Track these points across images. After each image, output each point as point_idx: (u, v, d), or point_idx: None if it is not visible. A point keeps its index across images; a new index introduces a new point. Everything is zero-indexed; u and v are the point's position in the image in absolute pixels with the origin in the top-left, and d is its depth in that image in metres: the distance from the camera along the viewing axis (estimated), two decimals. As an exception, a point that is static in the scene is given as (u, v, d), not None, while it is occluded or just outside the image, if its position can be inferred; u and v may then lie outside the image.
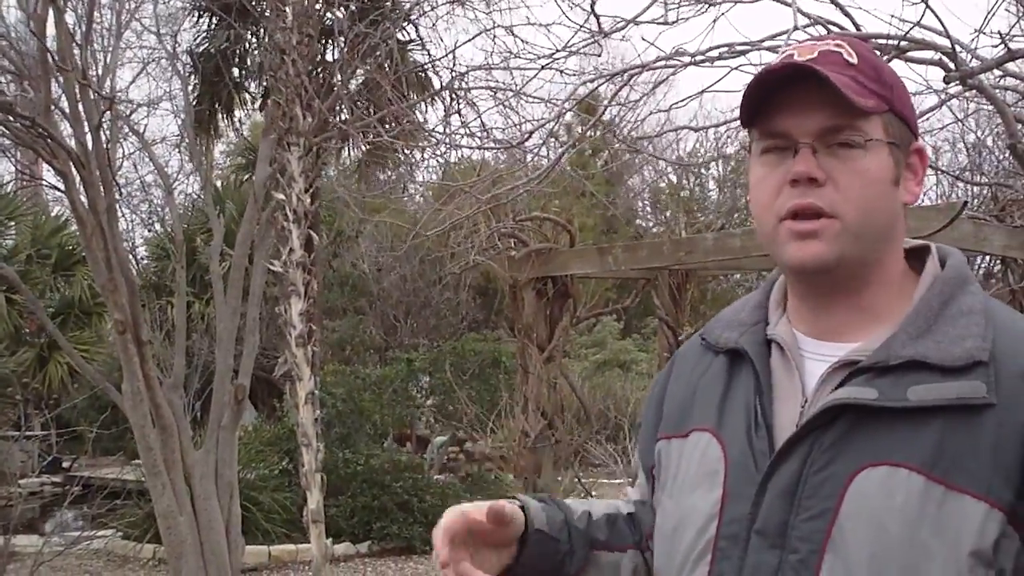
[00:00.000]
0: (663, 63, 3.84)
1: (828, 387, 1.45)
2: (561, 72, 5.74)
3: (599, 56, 4.45)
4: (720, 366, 1.60)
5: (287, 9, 2.74)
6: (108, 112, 7.68)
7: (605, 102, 4.88)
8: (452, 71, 8.38)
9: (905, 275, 1.53)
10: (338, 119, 8.37)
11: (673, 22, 3.91)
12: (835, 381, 1.44)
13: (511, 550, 1.59)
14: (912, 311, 1.46)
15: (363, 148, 13.39)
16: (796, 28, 3.83)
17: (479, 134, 7.00)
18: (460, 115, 8.60)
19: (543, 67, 4.43)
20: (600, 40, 4.09)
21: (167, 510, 7.99)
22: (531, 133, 4.91)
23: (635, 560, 1.72)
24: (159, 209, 16.22)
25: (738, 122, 1.58)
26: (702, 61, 3.76)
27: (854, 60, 1.45)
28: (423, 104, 10.55)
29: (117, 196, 8.58)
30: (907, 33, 3.42)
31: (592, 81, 4.32)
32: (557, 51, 4.26)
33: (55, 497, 14.81)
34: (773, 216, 1.47)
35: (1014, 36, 3.81)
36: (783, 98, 1.44)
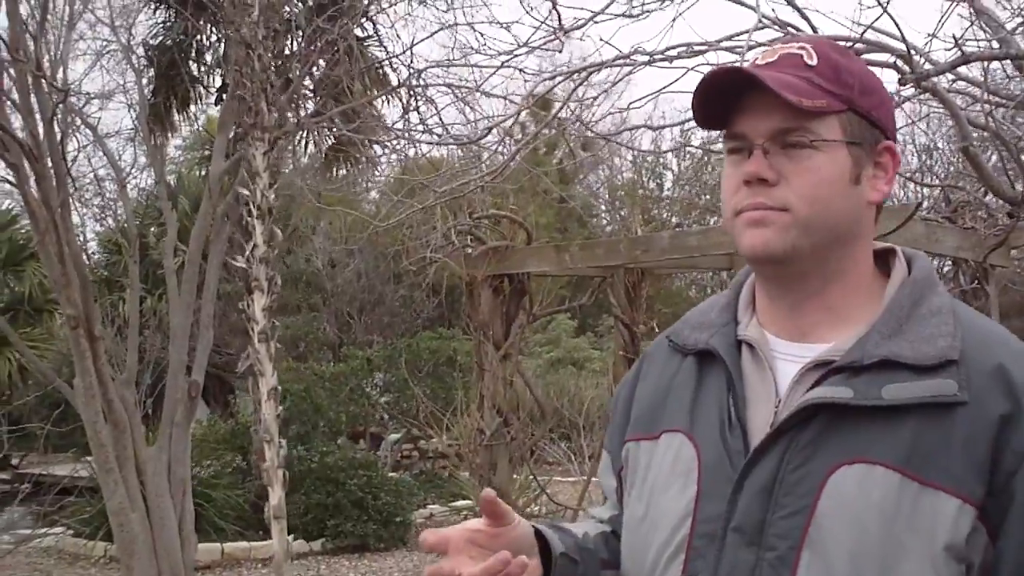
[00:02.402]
0: (621, 62, 3.85)
1: (802, 387, 1.47)
2: (521, 71, 5.76)
3: (560, 52, 4.48)
4: (690, 367, 1.61)
5: (254, 4, 2.72)
6: (61, 104, 7.59)
7: (561, 100, 4.90)
8: (410, 68, 8.37)
9: (873, 277, 1.55)
10: (296, 114, 8.33)
11: (638, 16, 3.92)
12: (809, 381, 1.47)
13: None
14: (884, 311, 1.48)
15: (325, 143, 13.32)
16: (757, 28, 3.86)
17: (436, 130, 7.00)
18: (419, 112, 8.60)
19: (503, 64, 4.46)
20: (561, 36, 4.11)
21: (119, 507, 7.91)
22: (489, 130, 4.93)
23: None
24: (112, 203, 16.04)
25: (693, 122, 1.61)
26: (660, 60, 3.79)
27: (813, 62, 1.48)
28: (382, 100, 10.51)
29: (71, 190, 8.49)
30: (861, 34, 3.45)
31: (551, 78, 4.33)
32: (518, 47, 4.28)
33: (4, 495, 14.62)
34: (731, 211, 1.51)
35: (967, 40, 3.87)
36: (743, 101, 1.48)
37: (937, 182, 6.46)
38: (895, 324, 1.46)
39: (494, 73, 5.05)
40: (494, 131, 5.64)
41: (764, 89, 1.43)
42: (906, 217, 4.71)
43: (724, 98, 1.50)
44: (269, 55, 2.65)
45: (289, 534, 12.17)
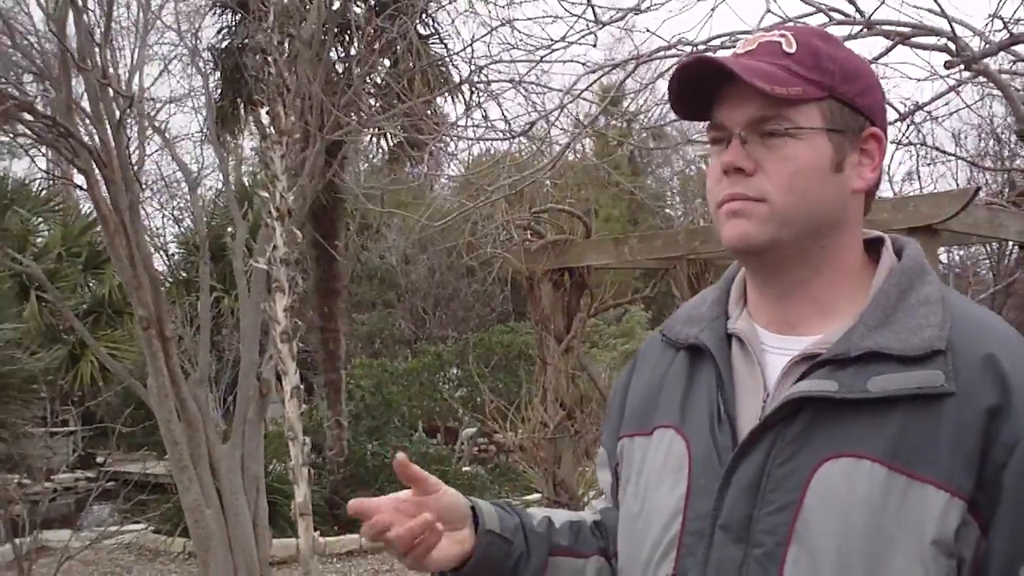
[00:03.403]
0: (662, 54, 3.83)
1: (789, 380, 1.45)
2: (584, 64, 5.76)
3: (594, 46, 4.49)
4: (682, 362, 1.60)
5: (269, 10, 2.77)
6: (129, 110, 7.73)
7: (613, 92, 4.89)
8: (471, 64, 8.40)
9: (863, 266, 1.52)
10: (359, 115, 8.40)
11: (646, 9, 3.88)
12: (796, 374, 1.44)
13: (463, 547, 1.60)
14: (870, 302, 1.45)
15: (390, 142, 13.43)
16: (803, 16, 3.82)
17: (486, 125, 7.01)
18: (481, 107, 8.63)
19: (541, 59, 4.48)
20: (596, 30, 4.12)
21: (194, 504, 8.06)
22: (532, 124, 4.94)
23: (599, 566, 1.72)
24: (189, 205, 16.32)
25: None
26: (704, 51, 3.75)
27: (792, 49, 1.46)
28: (444, 97, 10.57)
29: (142, 194, 8.66)
30: (878, 14, 3.39)
31: (593, 72, 4.34)
32: (555, 42, 4.30)
33: (89, 492, 14.94)
34: (713, 203, 1.50)
35: (1019, 20, 3.78)
36: (722, 91, 1.47)
37: (1004, 166, 6.30)
38: (882, 315, 1.43)
39: (533, 68, 5.08)
40: (555, 125, 5.66)
41: (738, 78, 1.42)
42: (965, 201, 4.60)
43: (704, 88, 1.48)
44: (283, 59, 2.68)
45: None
